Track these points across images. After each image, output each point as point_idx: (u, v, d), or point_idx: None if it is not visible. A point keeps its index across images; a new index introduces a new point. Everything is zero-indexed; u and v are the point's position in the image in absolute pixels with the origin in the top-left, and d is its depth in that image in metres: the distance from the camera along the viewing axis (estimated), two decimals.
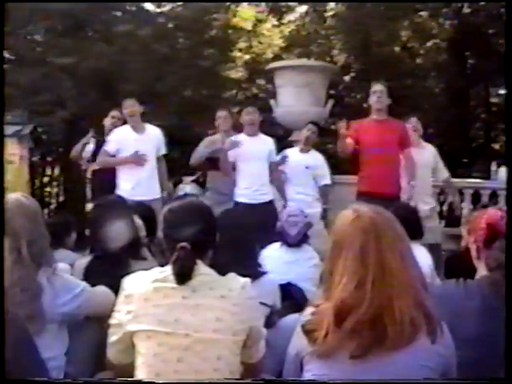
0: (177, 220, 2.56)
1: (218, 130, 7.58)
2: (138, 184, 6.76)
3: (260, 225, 4.71)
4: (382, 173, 6.49)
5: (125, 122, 7.10)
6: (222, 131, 7.44)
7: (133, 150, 6.83)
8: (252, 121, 7.13)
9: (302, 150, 7.51)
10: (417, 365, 2.11)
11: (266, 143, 7.18)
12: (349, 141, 6.63)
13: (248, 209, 6.55)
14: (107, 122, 7.46)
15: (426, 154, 7.23)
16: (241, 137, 7.12)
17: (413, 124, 7.17)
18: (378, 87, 6.77)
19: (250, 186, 6.95)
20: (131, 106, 7.01)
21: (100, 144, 7.23)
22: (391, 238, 2.19)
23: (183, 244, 2.42)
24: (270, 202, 7.05)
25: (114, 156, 6.93)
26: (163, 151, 7.17)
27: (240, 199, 6.96)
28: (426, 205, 7.09)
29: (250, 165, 6.99)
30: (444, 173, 7.51)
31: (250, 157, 7.00)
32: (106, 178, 6.99)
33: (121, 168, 6.92)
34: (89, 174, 7.75)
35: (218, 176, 7.34)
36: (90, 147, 7.38)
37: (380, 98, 6.72)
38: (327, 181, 7.53)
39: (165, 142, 7.20)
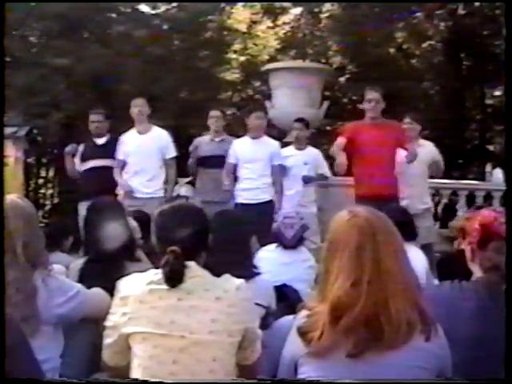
0: (168, 223, 2.57)
1: (209, 130, 7.65)
2: (137, 181, 7.02)
3: (257, 224, 4.75)
4: (377, 174, 6.50)
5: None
6: (213, 131, 7.53)
7: (137, 150, 7.05)
8: (262, 125, 7.29)
9: (297, 148, 7.57)
10: (412, 365, 2.12)
11: (269, 146, 7.25)
12: (342, 158, 6.54)
13: (245, 208, 6.63)
14: (93, 128, 7.46)
15: (423, 152, 7.23)
16: (244, 139, 7.27)
17: (407, 125, 7.17)
18: (372, 95, 6.72)
19: (250, 187, 7.03)
20: (140, 105, 7.21)
21: (90, 145, 7.33)
22: (387, 239, 2.20)
23: (173, 248, 2.42)
24: (270, 202, 7.10)
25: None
26: (171, 154, 7.27)
27: (239, 200, 7.09)
28: (422, 204, 7.11)
29: (252, 166, 7.08)
30: (440, 165, 7.46)
31: (252, 158, 7.11)
32: (93, 180, 7.10)
33: (125, 165, 7.15)
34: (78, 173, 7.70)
35: (207, 183, 7.41)
36: (80, 148, 7.40)
37: (375, 107, 6.70)
38: (327, 174, 7.64)
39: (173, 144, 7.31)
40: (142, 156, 7.09)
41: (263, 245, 4.81)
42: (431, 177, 7.62)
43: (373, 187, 6.44)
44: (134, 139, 7.16)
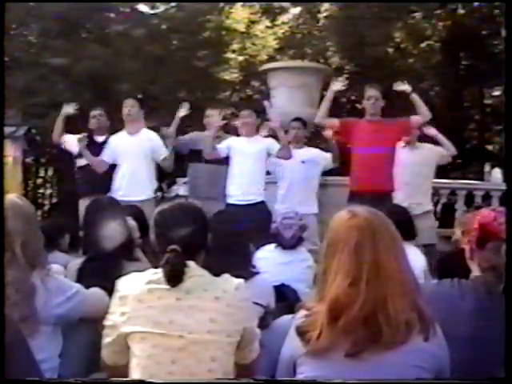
0: (167, 222, 2.57)
1: (206, 128, 7.61)
2: (128, 184, 6.95)
3: (252, 225, 4.72)
4: (372, 171, 6.51)
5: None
6: (209, 130, 7.50)
7: (126, 151, 6.99)
8: (246, 123, 7.21)
9: (294, 147, 7.52)
10: (411, 365, 2.12)
11: (263, 143, 7.20)
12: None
13: (239, 209, 6.59)
14: (93, 123, 7.49)
15: (421, 154, 7.25)
16: (238, 138, 7.27)
17: None
18: (372, 92, 6.73)
19: (241, 188, 7.00)
20: (130, 106, 7.20)
21: (89, 141, 7.27)
22: (386, 238, 2.20)
23: (173, 247, 2.42)
24: (262, 203, 7.07)
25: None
26: (164, 154, 7.21)
27: (230, 200, 7.04)
28: (424, 205, 7.11)
29: (245, 165, 7.04)
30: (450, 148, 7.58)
31: (245, 157, 7.06)
32: (91, 176, 7.12)
33: (116, 169, 7.10)
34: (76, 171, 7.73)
35: (200, 177, 7.40)
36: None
37: (374, 104, 6.70)
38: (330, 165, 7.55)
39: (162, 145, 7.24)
40: (133, 158, 7.04)
41: (256, 248, 4.79)
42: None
43: (367, 183, 6.46)
44: (124, 141, 7.12)
